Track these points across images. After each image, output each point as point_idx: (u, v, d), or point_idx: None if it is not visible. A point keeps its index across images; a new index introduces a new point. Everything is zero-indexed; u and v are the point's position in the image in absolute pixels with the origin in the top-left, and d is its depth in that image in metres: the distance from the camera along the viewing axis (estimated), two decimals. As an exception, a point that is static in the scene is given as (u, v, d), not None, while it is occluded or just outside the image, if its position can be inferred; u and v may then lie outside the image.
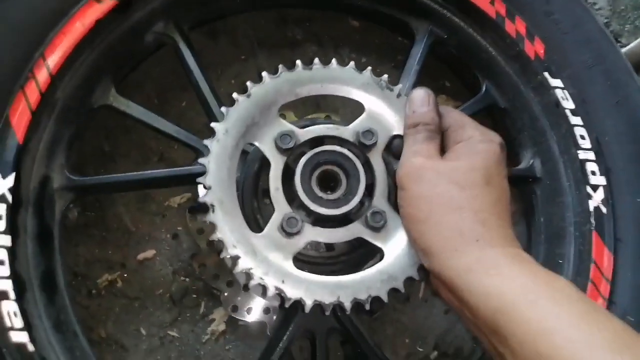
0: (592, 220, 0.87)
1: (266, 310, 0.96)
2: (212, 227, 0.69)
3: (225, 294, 0.95)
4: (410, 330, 1.03)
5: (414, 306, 1.04)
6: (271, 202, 0.73)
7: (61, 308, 0.77)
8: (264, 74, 0.76)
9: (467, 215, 0.63)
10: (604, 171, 0.88)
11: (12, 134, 0.75)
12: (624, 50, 1.09)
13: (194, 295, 0.98)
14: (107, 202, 0.99)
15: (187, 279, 0.98)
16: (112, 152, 1.01)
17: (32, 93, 0.77)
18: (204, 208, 0.97)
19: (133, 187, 0.92)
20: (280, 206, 0.72)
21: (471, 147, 0.70)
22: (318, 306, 0.69)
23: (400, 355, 1.02)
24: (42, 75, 0.78)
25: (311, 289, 0.69)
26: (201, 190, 0.97)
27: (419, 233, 0.65)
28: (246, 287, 0.95)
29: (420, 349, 1.03)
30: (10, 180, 0.74)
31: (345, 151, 0.75)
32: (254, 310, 0.95)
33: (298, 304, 0.68)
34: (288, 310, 0.87)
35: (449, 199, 0.64)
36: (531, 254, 0.96)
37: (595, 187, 0.88)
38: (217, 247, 0.70)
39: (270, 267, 0.69)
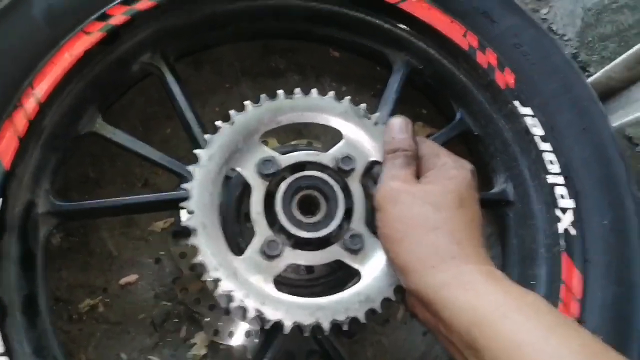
0: (562, 242, 0.90)
1: (247, 334, 0.97)
2: (195, 250, 0.71)
3: (207, 318, 0.96)
4: (391, 352, 1.05)
5: (394, 328, 1.06)
6: (252, 226, 0.75)
7: (42, 332, 0.78)
8: (247, 102, 0.80)
9: (443, 235, 0.66)
10: (573, 194, 0.92)
11: (-2, 160, 0.77)
12: (590, 79, 1.14)
13: (176, 320, 0.99)
14: (90, 226, 1.00)
15: (169, 303, 0.99)
16: (98, 178, 1.03)
17: (20, 121, 0.79)
18: (187, 232, 0.99)
19: (117, 213, 0.94)
20: (261, 230, 0.74)
21: (445, 172, 0.73)
22: (297, 327, 0.70)
23: (382, 377, 1.04)
24: (31, 104, 0.80)
25: (291, 310, 0.71)
26: (183, 214, 0.99)
27: (396, 252, 0.67)
28: (227, 311, 0.96)
29: (406, 369, 1.04)
30: (-4, 205, 0.75)
31: (325, 176, 0.78)
32: (236, 334, 0.97)
33: (278, 325, 0.70)
34: (268, 333, 0.88)
35: (424, 220, 0.67)
36: (506, 274, 1.00)
37: (564, 210, 0.92)
38: (199, 270, 0.72)
39: (250, 289, 0.71)
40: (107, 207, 0.88)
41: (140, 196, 0.89)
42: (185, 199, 0.74)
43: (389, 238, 0.69)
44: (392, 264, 0.70)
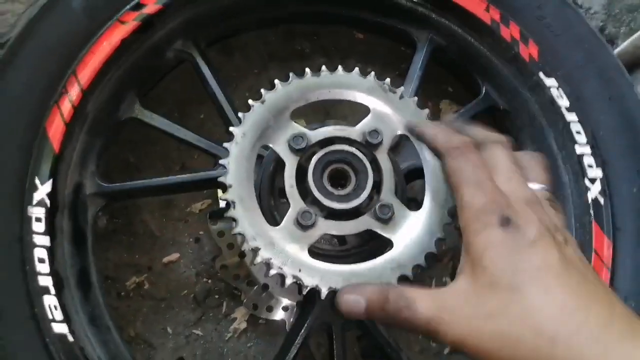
0: (591, 212, 0.92)
1: (285, 308, 1.01)
2: (234, 222, 0.75)
3: (246, 293, 1.01)
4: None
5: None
6: (287, 199, 0.79)
7: (95, 305, 0.84)
8: (276, 81, 0.83)
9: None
10: (600, 164, 0.93)
11: (49, 145, 0.82)
12: (617, 50, 1.14)
13: (217, 296, 1.03)
14: (133, 209, 1.05)
15: (210, 281, 1.04)
16: (137, 163, 1.08)
17: (66, 107, 0.85)
18: (224, 213, 1.04)
19: (159, 192, 0.99)
20: (295, 202, 0.78)
21: None
22: (333, 292, 0.74)
23: (414, 350, 1.06)
24: (75, 91, 0.86)
25: (326, 277, 0.74)
26: (221, 194, 1.04)
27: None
28: (265, 287, 1.01)
29: (434, 345, 1.07)
30: (48, 186, 0.81)
31: (354, 150, 0.81)
32: (274, 309, 1.01)
33: (314, 291, 0.73)
34: (305, 305, 0.92)
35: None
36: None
37: (592, 180, 0.93)
38: (239, 240, 0.76)
39: (287, 257, 0.74)
40: (149, 187, 0.93)
41: (179, 176, 0.94)
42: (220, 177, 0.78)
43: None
44: None
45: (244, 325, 1.02)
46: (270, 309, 1.00)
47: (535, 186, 0.56)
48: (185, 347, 1.00)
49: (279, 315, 1.00)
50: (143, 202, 1.06)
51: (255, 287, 1.01)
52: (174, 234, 1.06)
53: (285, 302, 1.00)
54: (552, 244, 0.48)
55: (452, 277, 1.10)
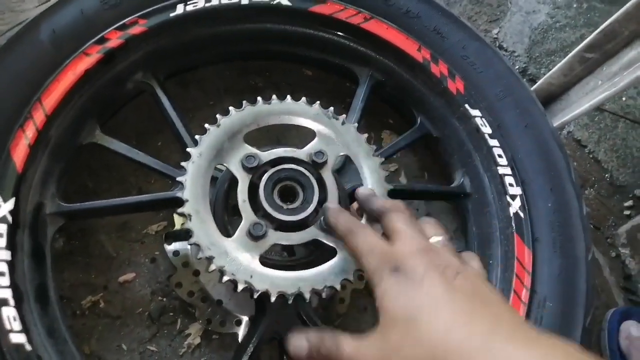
0: (513, 224, 1.03)
1: (238, 322, 1.06)
2: (190, 233, 0.81)
3: (200, 309, 1.05)
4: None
5: (372, 315, 1.16)
6: (239, 212, 0.86)
7: (53, 318, 0.87)
8: (231, 108, 0.92)
9: None
10: (520, 183, 1.05)
11: (12, 165, 0.87)
12: (534, 87, 1.29)
13: (171, 313, 1.07)
14: (89, 231, 1.09)
15: (165, 299, 1.08)
16: (95, 188, 1.13)
17: (30, 130, 0.90)
18: (179, 235, 1.10)
19: (117, 212, 1.04)
20: (247, 215, 0.85)
21: None
22: (282, 296, 0.80)
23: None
24: (39, 116, 0.91)
25: (275, 282, 0.81)
26: (177, 219, 1.10)
27: None
28: (219, 302, 1.06)
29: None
30: (10, 204, 0.85)
31: (301, 168, 0.89)
32: (227, 323, 1.06)
33: (265, 295, 0.80)
34: (256, 316, 0.98)
35: None
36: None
37: (513, 197, 1.05)
38: (194, 251, 0.82)
39: (240, 265, 0.81)
40: (108, 206, 0.98)
41: (137, 196, 1.00)
42: (177, 199, 0.85)
43: None
44: None
45: (198, 340, 1.06)
46: (223, 324, 1.05)
47: (433, 239, 0.68)
48: (135, 367, 1.03)
49: (232, 329, 1.05)
50: (99, 224, 1.10)
51: (209, 303, 1.06)
52: (130, 254, 1.10)
53: (238, 316, 1.06)
54: (439, 278, 0.59)
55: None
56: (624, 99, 1.59)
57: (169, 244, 1.09)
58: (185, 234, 1.10)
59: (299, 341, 0.68)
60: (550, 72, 1.26)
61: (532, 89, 1.23)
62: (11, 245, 0.83)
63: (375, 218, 0.77)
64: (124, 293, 1.07)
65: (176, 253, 1.08)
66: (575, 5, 1.76)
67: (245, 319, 1.06)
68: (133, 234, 1.11)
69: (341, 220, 0.77)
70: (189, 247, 1.09)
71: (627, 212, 1.43)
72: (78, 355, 0.86)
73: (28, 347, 0.78)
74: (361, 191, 0.82)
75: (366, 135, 0.94)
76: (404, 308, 0.58)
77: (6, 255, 0.82)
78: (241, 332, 1.05)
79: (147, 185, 1.15)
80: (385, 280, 0.61)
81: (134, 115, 1.19)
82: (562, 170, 1.07)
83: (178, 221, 1.12)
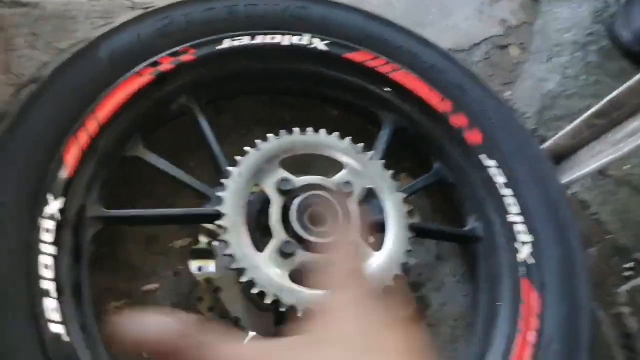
0: (522, 269, 1.09)
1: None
2: (225, 244, 0.87)
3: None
4: None
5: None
6: (270, 232, 0.92)
7: (86, 315, 0.91)
8: (269, 135, 1.00)
9: None
10: (530, 230, 1.12)
11: (64, 168, 0.94)
12: (543, 145, 1.38)
13: (188, 326, 1.11)
14: (119, 239, 1.14)
15: (185, 312, 1.12)
16: (129, 199, 1.19)
17: (83, 138, 0.97)
18: (204, 252, 1.15)
19: (152, 221, 1.10)
20: (278, 233, 0.92)
21: None
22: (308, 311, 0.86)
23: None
24: (92, 125, 0.99)
25: (303, 298, 0.87)
26: (202, 238, 1.16)
27: None
28: (237, 319, 1.10)
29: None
30: (60, 202, 0.91)
31: (329, 196, 0.97)
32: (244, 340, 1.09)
33: (292, 308, 0.85)
34: (275, 333, 1.03)
35: None
36: (477, 300, 1.18)
37: (523, 243, 1.11)
38: (227, 263, 0.88)
39: (270, 279, 0.87)
40: (145, 216, 1.04)
41: (172, 209, 1.06)
42: (210, 215, 0.92)
43: None
44: None
45: (212, 355, 1.09)
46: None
47: None
48: (153, 374, 1.06)
49: (245, 347, 1.09)
50: (129, 234, 1.15)
51: (227, 320, 1.10)
52: (154, 266, 1.15)
53: (254, 334, 1.09)
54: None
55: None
56: (628, 166, 1.68)
57: (193, 259, 1.14)
58: (209, 252, 1.16)
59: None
60: (559, 134, 1.35)
61: (540, 146, 1.32)
62: (57, 242, 0.89)
63: None
64: (146, 302, 1.11)
65: (199, 269, 1.13)
66: (583, 77, 1.88)
67: (260, 337, 1.10)
68: (159, 246, 1.17)
69: None
70: (212, 264, 1.14)
71: (627, 273, 1.48)
72: (107, 355, 0.90)
73: (66, 338, 0.82)
74: None
75: (391, 171, 1.02)
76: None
77: (53, 250, 0.88)
78: (254, 350, 1.09)
79: (178, 202, 1.21)
80: None
81: (171, 134, 1.26)
82: (569, 224, 1.14)
83: (203, 239, 1.17)
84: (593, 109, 1.28)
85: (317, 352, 0.40)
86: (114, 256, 1.13)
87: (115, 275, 1.11)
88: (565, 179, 1.31)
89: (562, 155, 1.36)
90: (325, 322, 0.43)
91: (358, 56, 1.24)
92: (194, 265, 1.13)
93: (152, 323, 0.40)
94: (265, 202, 0.96)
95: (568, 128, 1.33)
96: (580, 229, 1.21)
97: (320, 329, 0.43)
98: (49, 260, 0.86)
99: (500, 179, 1.17)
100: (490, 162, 1.19)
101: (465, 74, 1.28)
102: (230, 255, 0.87)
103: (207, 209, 1.03)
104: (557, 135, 1.36)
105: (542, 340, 1.01)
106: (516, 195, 1.15)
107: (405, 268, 0.94)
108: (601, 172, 1.54)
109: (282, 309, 0.85)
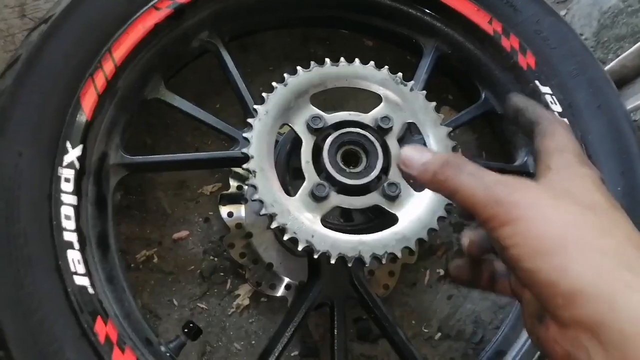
0: (579, 207, 0.99)
1: (287, 287, 1.06)
2: (254, 189, 0.81)
3: (250, 271, 1.06)
4: (417, 312, 1.13)
5: (420, 291, 1.14)
6: (301, 175, 0.85)
7: (112, 266, 0.88)
8: (299, 67, 0.90)
9: (618, 239, 0.47)
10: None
11: (81, 112, 0.88)
12: (606, 68, 1.23)
13: (222, 273, 1.08)
14: (147, 187, 1.10)
15: (216, 259, 1.09)
16: (154, 145, 1.14)
17: (100, 80, 0.90)
18: (234, 197, 1.10)
19: (177, 167, 1.04)
20: (310, 176, 0.84)
21: (575, 170, 0.55)
22: (342, 258, 0.79)
23: (407, 335, 1.11)
24: (109, 66, 0.91)
25: (336, 244, 0.80)
26: (232, 181, 1.10)
27: (557, 274, 0.45)
28: (270, 266, 1.06)
29: (425, 330, 1.12)
30: (78, 150, 0.86)
31: (366, 133, 0.88)
32: (277, 287, 1.06)
33: (324, 255, 0.79)
34: (307, 282, 0.98)
35: (586, 223, 0.48)
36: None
37: (581, 179, 1.00)
38: (257, 208, 0.82)
39: (301, 224, 0.80)
40: (169, 161, 0.98)
41: (198, 153, 1.00)
42: (236, 158, 0.84)
43: (536, 255, 0.47)
44: (545, 290, 0.46)
45: (246, 301, 1.06)
46: (273, 287, 1.05)
47: None
48: (189, 319, 1.04)
49: (281, 292, 1.05)
50: (157, 181, 1.11)
51: (259, 266, 1.06)
52: (184, 212, 1.11)
53: (288, 280, 1.05)
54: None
55: (446, 270, 1.16)
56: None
57: (224, 205, 1.09)
58: (239, 197, 1.10)
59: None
60: (625, 54, 1.20)
61: (603, 67, 1.18)
62: (77, 191, 0.84)
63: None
64: (177, 250, 1.08)
65: (230, 214, 1.08)
66: (650, -11, 1.67)
67: (294, 283, 1.06)
68: (189, 193, 1.12)
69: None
70: (243, 210, 1.09)
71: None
72: (134, 304, 0.87)
73: (91, 290, 0.79)
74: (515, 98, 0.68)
75: (434, 103, 0.92)
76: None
77: (73, 200, 0.83)
78: (290, 296, 1.05)
79: (203, 146, 1.16)
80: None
81: (194, 76, 1.19)
82: (634, 155, 1.02)
83: (233, 184, 1.12)
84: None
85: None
86: (142, 204, 1.09)
87: (145, 223, 1.08)
88: (630, 104, 1.17)
89: (627, 79, 1.22)
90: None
91: (394, -25, 1.11)
92: (224, 211, 1.09)
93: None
94: (296, 141, 0.89)
95: (635, 47, 1.17)
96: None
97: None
98: (71, 211, 0.82)
99: (556, 107, 1.05)
100: (545, 89, 1.06)
101: (517, -11, 1.13)
102: (259, 201, 0.80)
103: (233, 151, 0.96)
104: (621, 56, 1.21)
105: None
106: (574, 124, 1.03)
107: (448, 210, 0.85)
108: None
109: (315, 256, 0.79)
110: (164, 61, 1.02)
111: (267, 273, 1.06)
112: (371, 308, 0.95)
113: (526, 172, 1.09)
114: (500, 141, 1.20)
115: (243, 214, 1.08)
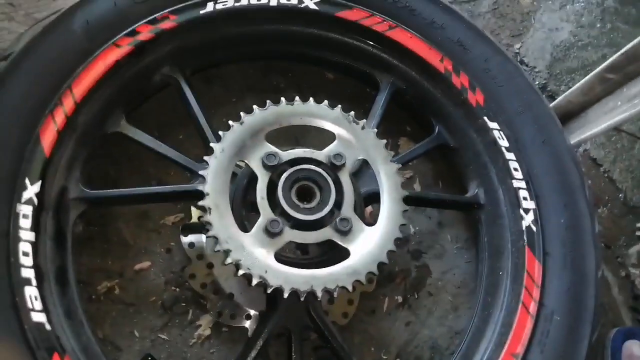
0: (525, 238, 1.04)
1: (248, 317, 1.08)
2: (209, 226, 0.84)
3: (211, 302, 1.07)
4: (376, 339, 1.16)
5: (379, 318, 1.17)
6: (257, 209, 0.88)
7: (71, 300, 0.89)
8: (255, 107, 0.94)
9: None
10: (534, 197, 1.06)
11: (40, 149, 0.89)
12: (552, 103, 1.30)
13: (183, 304, 1.10)
14: (109, 218, 1.12)
15: (178, 289, 1.10)
16: (116, 177, 1.15)
17: (59, 116, 0.93)
18: (195, 227, 1.12)
19: (138, 201, 1.06)
20: (265, 212, 0.87)
21: None
22: (294, 293, 0.82)
23: (366, 361, 1.14)
24: (69, 103, 0.94)
25: (289, 279, 0.83)
26: (194, 212, 1.12)
27: None
28: (231, 296, 1.08)
29: (384, 357, 1.15)
30: (37, 186, 0.88)
31: (319, 170, 0.92)
32: (237, 317, 1.08)
33: (278, 290, 0.82)
34: (266, 312, 1.00)
35: None
36: (478, 269, 1.14)
37: (527, 210, 1.06)
38: (212, 244, 0.84)
39: (255, 260, 0.83)
40: (129, 195, 1.00)
41: (159, 187, 1.02)
42: (197, 191, 0.87)
43: None
44: None
45: (208, 332, 1.08)
46: (233, 317, 1.07)
47: None
48: (150, 351, 1.04)
49: (242, 323, 1.07)
50: (119, 212, 1.12)
51: (220, 296, 1.08)
52: (146, 243, 1.12)
53: (249, 310, 1.07)
54: None
55: (404, 297, 1.20)
56: (642, 121, 1.59)
57: (185, 235, 1.11)
58: (201, 227, 1.12)
59: None
60: (570, 90, 1.27)
61: (551, 105, 1.24)
62: (36, 227, 0.86)
63: None
64: (138, 281, 1.09)
65: (191, 245, 1.10)
66: (598, 25, 1.76)
67: (255, 313, 1.08)
68: (150, 223, 1.14)
69: None
70: (204, 239, 1.11)
71: (639, 233, 1.42)
72: (93, 338, 0.88)
73: (48, 327, 0.80)
74: None
75: (385, 141, 0.96)
76: None
77: (31, 236, 0.85)
78: (250, 326, 1.07)
79: (166, 177, 1.18)
80: None
81: (158, 107, 1.21)
82: (576, 188, 1.08)
83: (195, 214, 1.14)
84: (606, 63, 1.18)
85: None
86: (104, 235, 1.10)
87: (106, 254, 1.09)
88: (575, 139, 1.24)
89: (572, 114, 1.28)
90: None
91: (351, 14, 1.16)
92: (186, 241, 1.11)
93: None
94: (253, 176, 0.92)
95: (579, 84, 1.24)
96: (591, 189, 1.14)
97: None
98: (29, 248, 0.83)
99: (503, 142, 1.11)
100: (493, 125, 1.12)
101: (467, 28, 1.19)
102: (213, 237, 0.83)
103: (190, 186, 0.99)
104: (567, 92, 1.28)
105: (543, 312, 0.97)
106: (520, 159, 1.09)
107: (404, 238, 0.89)
108: (615, 127, 1.45)
109: (268, 291, 0.82)
110: (125, 96, 1.05)
111: (228, 303, 1.08)
112: (327, 338, 0.98)
113: (477, 203, 1.14)
114: (452, 173, 1.25)
115: (204, 244, 1.10)
